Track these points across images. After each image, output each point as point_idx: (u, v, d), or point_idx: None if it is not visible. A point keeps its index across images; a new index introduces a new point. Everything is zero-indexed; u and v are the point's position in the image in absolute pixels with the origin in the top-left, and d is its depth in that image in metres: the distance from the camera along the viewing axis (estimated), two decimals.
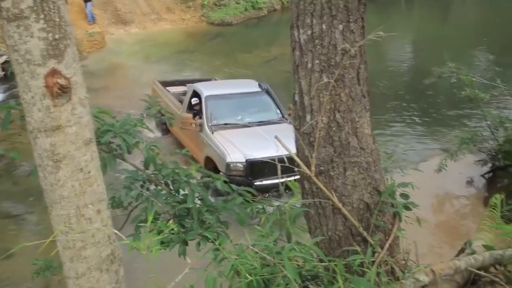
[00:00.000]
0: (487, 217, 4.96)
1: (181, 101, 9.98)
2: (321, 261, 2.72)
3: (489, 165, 8.48)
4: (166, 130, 10.23)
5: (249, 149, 7.58)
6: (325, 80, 2.56)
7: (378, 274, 2.81)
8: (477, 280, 3.31)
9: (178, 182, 3.58)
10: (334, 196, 2.78)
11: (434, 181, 8.28)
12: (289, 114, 8.57)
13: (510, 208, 3.17)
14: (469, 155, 8.58)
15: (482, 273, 3.13)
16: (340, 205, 2.78)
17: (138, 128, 3.63)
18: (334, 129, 2.66)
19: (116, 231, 2.02)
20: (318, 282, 2.80)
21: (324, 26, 2.52)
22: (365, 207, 2.85)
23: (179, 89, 10.84)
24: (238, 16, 20.56)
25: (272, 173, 6.49)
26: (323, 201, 2.84)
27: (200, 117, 8.78)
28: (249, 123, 8.63)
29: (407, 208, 3.05)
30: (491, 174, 8.42)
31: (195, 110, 9.14)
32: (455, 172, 8.34)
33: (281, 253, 2.54)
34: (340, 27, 2.52)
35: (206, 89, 9.20)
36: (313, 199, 2.88)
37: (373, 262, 2.83)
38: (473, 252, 3.51)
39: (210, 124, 8.47)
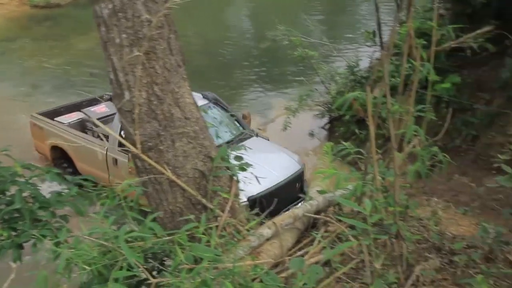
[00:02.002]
0: (321, 165, 5.42)
1: (97, 135, 7.49)
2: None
3: (327, 117, 9.25)
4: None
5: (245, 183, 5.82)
6: (136, 54, 2.49)
7: (222, 236, 2.91)
8: (317, 223, 3.61)
9: (2, 183, 3.26)
10: (167, 169, 2.77)
11: (281, 139, 8.81)
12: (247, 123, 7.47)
13: (337, 152, 3.47)
14: (309, 111, 9.25)
15: (316, 216, 3.41)
16: (174, 177, 2.78)
17: None
18: (155, 102, 2.62)
19: None
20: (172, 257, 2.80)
21: None
22: (201, 175, 2.90)
23: (73, 117, 8.07)
24: None
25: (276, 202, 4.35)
26: (158, 177, 2.82)
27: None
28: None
29: (242, 169, 3.17)
30: (329, 125, 9.19)
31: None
32: (298, 128, 8.93)
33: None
34: None
35: None
36: (148, 176, 2.84)
37: (217, 226, 2.93)
38: (310, 199, 3.80)
39: None
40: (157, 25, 2.47)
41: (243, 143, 6.24)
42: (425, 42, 4.17)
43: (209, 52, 13.36)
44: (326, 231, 3.34)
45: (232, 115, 7.32)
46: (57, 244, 2.67)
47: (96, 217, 2.66)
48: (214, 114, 7.07)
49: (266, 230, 3.20)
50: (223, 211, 3.00)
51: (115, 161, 6.60)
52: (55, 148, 7.79)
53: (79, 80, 11.54)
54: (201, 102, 7.04)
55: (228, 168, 3.06)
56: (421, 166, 2.99)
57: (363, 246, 2.66)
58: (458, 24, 4.39)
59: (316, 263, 2.96)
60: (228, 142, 6.52)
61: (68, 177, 3.44)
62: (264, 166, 5.91)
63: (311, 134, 9.05)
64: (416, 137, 3.12)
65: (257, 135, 7.13)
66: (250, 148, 5.88)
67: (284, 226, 3.31)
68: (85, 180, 3.45)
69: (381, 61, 2.73)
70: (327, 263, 3.04)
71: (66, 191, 3.30)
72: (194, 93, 7.50)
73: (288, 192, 6.01)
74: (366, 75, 8.46)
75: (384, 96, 2.81)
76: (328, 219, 3.27)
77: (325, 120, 9.30)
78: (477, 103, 6.67)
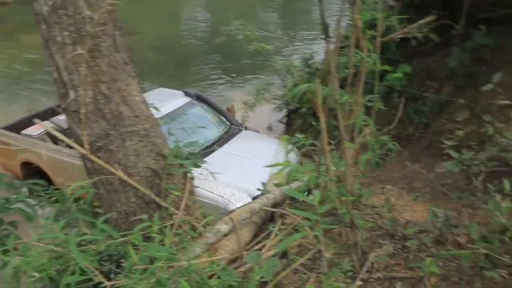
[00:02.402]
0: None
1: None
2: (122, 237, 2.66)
3: (285, 110, 9.30)
4: None
5: (246, 183, 5.43)
6: (80, 52, 2.41)
7: (178, 234, 2.88)
8: (274, 216, 3.63)
9: None
10: (119, 169, 2.71)
11: None
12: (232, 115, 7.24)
13: (293, 144, 3.49)
14: (266, 104, 9.27)
15: (273, 209, 3.42)
16: (126, 177, 2.72)
17: None
18: (102, 101, 2.56)
19: None
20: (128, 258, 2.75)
21: None
22: (153, 174, 2.85)
23: (41, 127, 6.89)
24: None
25: None
26: (110, 177, 2.76)
27: None
28: (207, 147, 6.11)
29: (196, 166, 3.14)
30: (287, 118, 9.24)
31: None
32: (257, 122, 8.93)
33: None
34: None
35: None
36: (99, 177, 2.77)
37: (172, 224, 2.89)
38: (267, 192, 3.81)
39: None
40: (100, 21, 2.40)
41: (235, 138, 6.48)
42: (375, 33, 4.25)
43: (165, 49, 13.18)
44: (283, 224, 3.36)
45: (218, 110, 7.03)
46: (4, 252, 2.57)
47: (46, 222, 2.58)
48: (201, 110, 6.85)
49: (223, 226, 3.19)
50: (178, 209, 2.97)
51: None
52: (27, 164, 6.97)
53: (33, 79, 11.15)
54: (183, 99, 6.87)
55: (182, 165, 3.03)
56: (371, 155, 3.05)
57: (320, 236, 2.69)
58: (406, 15, 4.48)
59: (274, 256, 2.98)
60: (219, 139, 6.41)
61: (16, 181, 3.32)
62: (259, 160, 5.67)
63: (270, 128, 9.07)
64: (368, 127, 3.18)
65: (246, 128, 6.88)
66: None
67: (241, 221, 3.30)
68: (35, 184, 3.34)
69: (328, 53, 2.76)
70: (284, 255, 3.06)
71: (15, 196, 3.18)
72: (175, 91, 7.12)
73: None
74: (321, 67, 8.55)
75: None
76: (284, 211, 3.29)
77: (283, 113, 9.35)
78: (427, 92, 6.86)
